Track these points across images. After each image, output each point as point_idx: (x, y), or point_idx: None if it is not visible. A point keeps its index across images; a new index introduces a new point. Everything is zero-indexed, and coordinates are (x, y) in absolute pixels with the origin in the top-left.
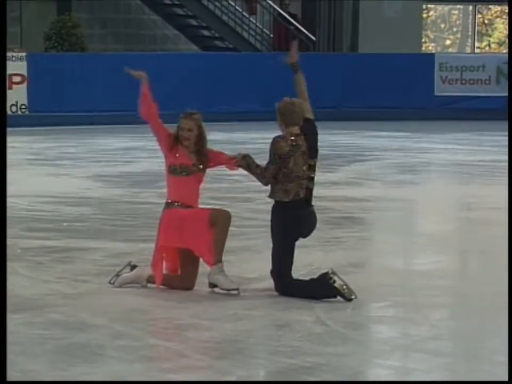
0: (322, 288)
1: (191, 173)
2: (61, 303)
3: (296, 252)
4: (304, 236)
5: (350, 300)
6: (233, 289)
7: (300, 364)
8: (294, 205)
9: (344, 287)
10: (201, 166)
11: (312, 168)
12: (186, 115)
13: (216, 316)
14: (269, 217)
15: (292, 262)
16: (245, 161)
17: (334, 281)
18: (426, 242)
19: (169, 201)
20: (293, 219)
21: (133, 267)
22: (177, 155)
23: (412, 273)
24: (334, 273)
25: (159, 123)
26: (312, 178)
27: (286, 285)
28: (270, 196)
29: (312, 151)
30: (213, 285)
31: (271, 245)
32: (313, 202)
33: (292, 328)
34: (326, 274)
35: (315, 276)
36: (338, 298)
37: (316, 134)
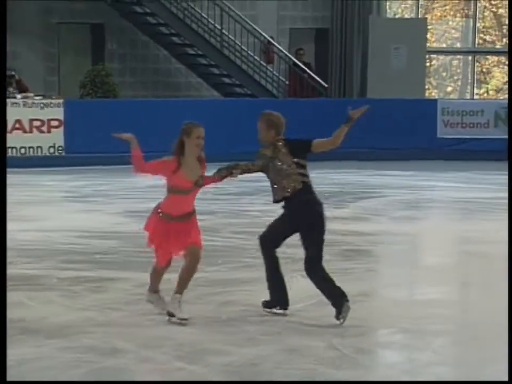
0: (336, 294)
1: (190, 192)
2: (93, 329)
3: (306, 283)
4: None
5: (338, 319)
6: (184, 319)
7: None
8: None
9: (345, 312)
10: (200, 183)
11: (300, 166)
12: (195, 124)
13: (236, 341)
14: (283, 250)
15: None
16: (223, 172)
17: (347, 301)
18: (428, 274)
19: (162, 212)
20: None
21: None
22: (180, 177)
23: (415, 303)
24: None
25: (155, 169)
26: (304, 175)
27: (320, 269)
28: (275, 201)
29: (297, 152)
30: (170, 314)
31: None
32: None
33: (305, 352)
34: (345, 295)
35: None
36: (347, 323)
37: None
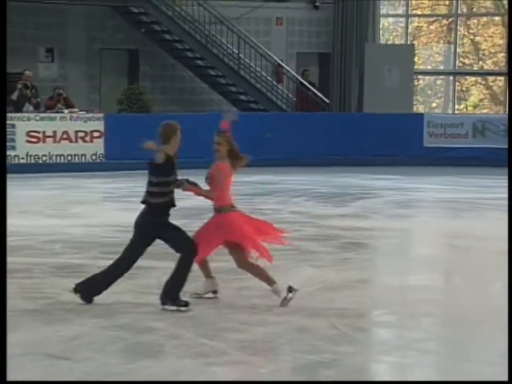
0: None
1: None
2: (129, 310)
3: (312, 271)
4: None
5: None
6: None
7: (318, 360)
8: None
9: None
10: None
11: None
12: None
13: (250, 321)
14: (292, 242)
15: None
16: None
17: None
18: (418, 264)
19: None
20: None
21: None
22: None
23: (406, 288)
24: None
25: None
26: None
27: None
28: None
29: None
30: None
31: (294, 265)
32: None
33: (311, 331)
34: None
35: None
36: (348, 306)
37: None
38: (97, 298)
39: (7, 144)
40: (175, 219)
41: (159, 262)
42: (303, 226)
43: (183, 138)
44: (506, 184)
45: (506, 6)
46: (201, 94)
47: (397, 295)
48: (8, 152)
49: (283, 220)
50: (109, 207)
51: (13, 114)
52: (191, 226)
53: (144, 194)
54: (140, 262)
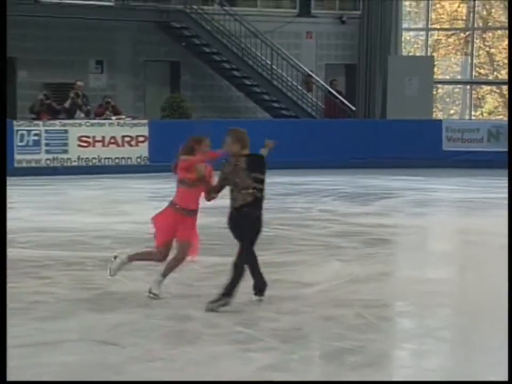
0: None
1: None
2: (171, 301)
3: (339, 265)
4: (253, 234)
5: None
6: (155, 295)
7: (344, 347)
8: (244, 209)
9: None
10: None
11: (257, 180)
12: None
13: (283, 311)
14: (321, 238)
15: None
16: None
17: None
18: (435, 258)
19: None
20: (244, 218)
21: (115, 257)
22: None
23: (425, 281)
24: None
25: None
26: (260, 190)
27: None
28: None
29: (256, 168)
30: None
31: (322, 259)
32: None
33: (338, 320)
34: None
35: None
36: (372, 297)
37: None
38: (141, 289)
39: (61, 148)
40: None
41: (199, 256)
42: (330, 223)
43: (219, 141)
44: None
45: None
46: (237, 102)
47: (416, 287)
48: (61, 156)
49: (312, 218)
50: (153, 205)
51: (66, 121)
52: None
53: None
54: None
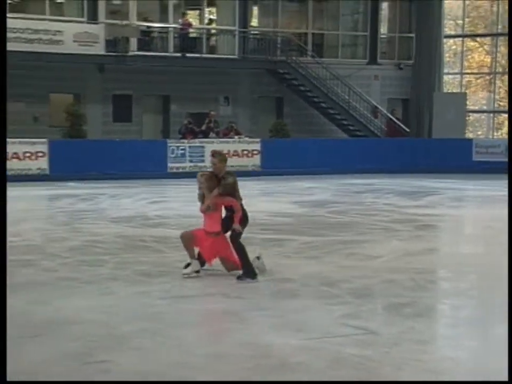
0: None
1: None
2: (274, 268)
3: (397, 243)
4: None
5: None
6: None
7: (401, 302)
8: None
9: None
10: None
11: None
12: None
13: (356, 276)
14: (384, 224)
15: None
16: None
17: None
18: (467, 239)
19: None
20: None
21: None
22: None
23: (460, 255)
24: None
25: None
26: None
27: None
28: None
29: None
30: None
31: (384, 239)
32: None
33: (396, 282)
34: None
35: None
36: (421, 266)
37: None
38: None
39: (199, 158)
40: None
41: (294, 236)
42: (391, 213)
43: (313, 155)
44: None
45: None
46: (324, 126)
47: (453, 259)
48: (200, 164)
49: (378, 209)
50: (264, 200)
51: (203, 139)
52: None
53: None
54: (282, 235)
